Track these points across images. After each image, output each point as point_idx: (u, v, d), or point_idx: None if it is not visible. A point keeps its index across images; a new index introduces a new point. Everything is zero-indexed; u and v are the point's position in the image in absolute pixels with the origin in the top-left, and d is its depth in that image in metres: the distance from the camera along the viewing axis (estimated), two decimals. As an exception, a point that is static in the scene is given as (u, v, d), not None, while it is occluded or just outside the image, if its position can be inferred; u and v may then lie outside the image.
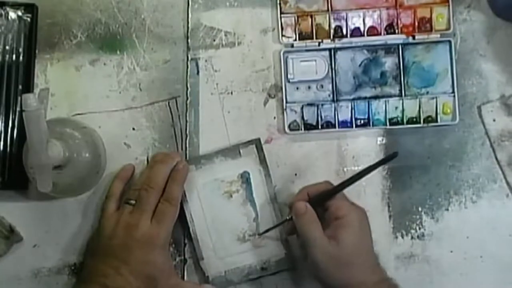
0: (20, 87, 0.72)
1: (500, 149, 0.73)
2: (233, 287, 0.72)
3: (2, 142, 0.71)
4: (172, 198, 0.68)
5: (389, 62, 0.73)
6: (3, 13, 0.71)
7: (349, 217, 0.65)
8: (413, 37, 0.72)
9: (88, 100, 0.74)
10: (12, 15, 0.71)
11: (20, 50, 0.72)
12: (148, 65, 0.74)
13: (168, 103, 0.74)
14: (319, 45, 0.73)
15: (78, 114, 0.73)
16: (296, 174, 0.73)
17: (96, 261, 0.67)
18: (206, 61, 0.74)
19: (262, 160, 0.71)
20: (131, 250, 0.66)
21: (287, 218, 0.68)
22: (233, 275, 0.71)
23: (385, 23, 0.73)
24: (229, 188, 0.72)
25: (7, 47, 0.71)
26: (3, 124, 0.71)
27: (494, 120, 0.73)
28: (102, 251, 0.67)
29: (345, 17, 0.73)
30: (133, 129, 0.73)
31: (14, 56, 0.71)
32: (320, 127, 0.73)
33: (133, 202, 0.68)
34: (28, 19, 0.72)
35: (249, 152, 0.72)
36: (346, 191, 0.67)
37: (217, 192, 0.72)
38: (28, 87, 0.72)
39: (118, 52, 0.74)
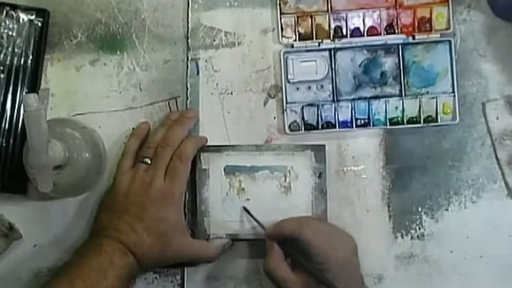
0: (26, 91, 0.71)
1: (501, 147, 0.73)
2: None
3: (6, 145, 0.71)
4: (183, 154, 0.69)
5: (389, 62, 0.73)
6: (14, 16, 0.71)
7: (328, 264, 0.62)
8: (413, 37, 0.72)
9: (88, 100, 0.74)
10: (24, 18, 0.71)
11: (29, 54, 0.71)
12: (148, 65, 0.74)
13: (168, 103, 0.74)
14: (319, 45, 0.73)
15: (78, 114, 0.73)
16: (296, 174, 0.73)
17: (111, 216, 0.67)
18: (206, 61, 0.74)
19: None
20: (145, 207, 0.67)
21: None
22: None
23: (385, 23, 0.73)
24: None
25: (16, 50, 0.71)
26: (8, 127, 0.71)
27: (497, 118, 0.73)
28: (117, 207, 0.68)
29: (345, 17, 0.73)
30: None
31: (22, 60, 0.71)
32: (320, 127, 0.73)
33: (148, 160, 0.69)
34: (39, 24, 0.71)
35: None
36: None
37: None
38: (34, 91, 0.72)
39: (118, 52, 0.74)
